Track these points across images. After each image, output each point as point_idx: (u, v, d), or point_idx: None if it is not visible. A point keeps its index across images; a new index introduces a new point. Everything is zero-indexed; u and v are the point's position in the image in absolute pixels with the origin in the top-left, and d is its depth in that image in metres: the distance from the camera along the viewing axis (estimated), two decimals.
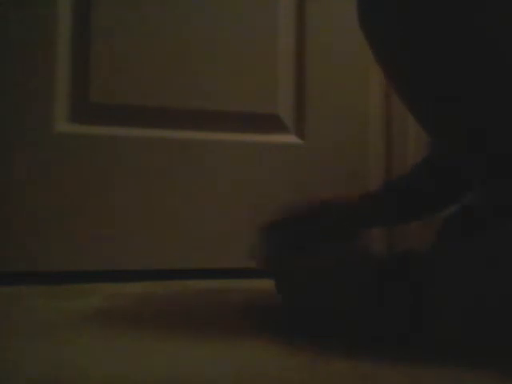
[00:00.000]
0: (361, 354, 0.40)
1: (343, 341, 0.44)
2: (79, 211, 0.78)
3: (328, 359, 0.38)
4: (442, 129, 0.44)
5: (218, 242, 0.83)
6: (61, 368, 0.36)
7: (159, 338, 0.44)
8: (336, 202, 0.60)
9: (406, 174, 0.62)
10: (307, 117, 0.88)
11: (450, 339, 0.40)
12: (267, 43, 0.86)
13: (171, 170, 0.82)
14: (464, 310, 0.39)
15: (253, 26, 0.85)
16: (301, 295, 0.50)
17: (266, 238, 0.59)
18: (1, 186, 0.76)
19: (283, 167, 0.86)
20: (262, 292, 0.69)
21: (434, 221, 0.56)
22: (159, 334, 0.45)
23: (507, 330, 0.38)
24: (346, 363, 0.37)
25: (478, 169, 0.45)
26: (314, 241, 0.58)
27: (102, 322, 0.50)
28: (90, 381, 0.33)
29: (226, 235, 0.83)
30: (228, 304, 0.60)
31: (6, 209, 0.76)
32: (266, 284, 0.75)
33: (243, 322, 0.51)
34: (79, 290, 0.68)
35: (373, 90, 0.90)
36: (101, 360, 0.38)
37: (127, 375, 0.34)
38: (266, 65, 0.86)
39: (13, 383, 0.33)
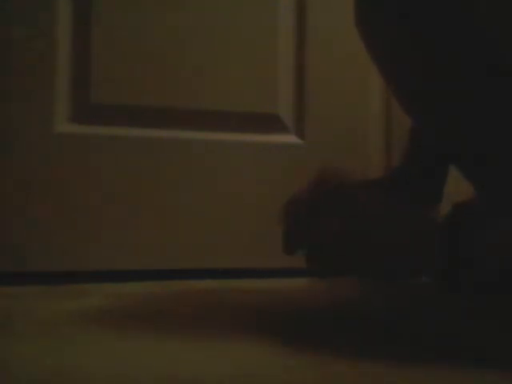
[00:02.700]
0: (361, 354, 0.40)
1: (344, 341, 0.44)
2: (79, 211, 0.78)
3: (328, 359, 0.38)
4: (441, 129, 0.44)
5: (218, 242, 0.83)
6: (61, 368, 0.36)
7: (159, 338, 0.44)
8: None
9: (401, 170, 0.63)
10: (307, 117, 0.88)
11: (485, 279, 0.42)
12: (267, 43, 0.86)
13: (171, 170, 0.82)
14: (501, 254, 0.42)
15: (253, 26, 0.85)
16: None
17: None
18: (1, 185, 0.76)
19: (283, 167, 0.86)
20: (262, 292, 0.69)
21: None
22: (159, 334, 0.45)
23: None
24: (347, 363, 0.37)
25: (477, 168, 0.45)
26: None
27: (102, 322, 0.50)
28: (90, 381, 0.33)
29: (226, 235, 0.83)
30: (228, 304, 0.60)
31: (6, 209, 0.76)
32: (267, 284, 0.75)
33: (243, 321, 0.51)
34: (79, 290, 0.68)
35: (373, 90, 0.90)
36: (101, 360, 0.38)
37: (127, 375, 0.34)
38: (265, 65, 0.86)
39: (13, 383, 0.33)
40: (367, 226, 0.47)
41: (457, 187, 0.61)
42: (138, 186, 0.81)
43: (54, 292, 0.67)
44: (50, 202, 0.77)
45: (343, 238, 0.48)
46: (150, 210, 0.81)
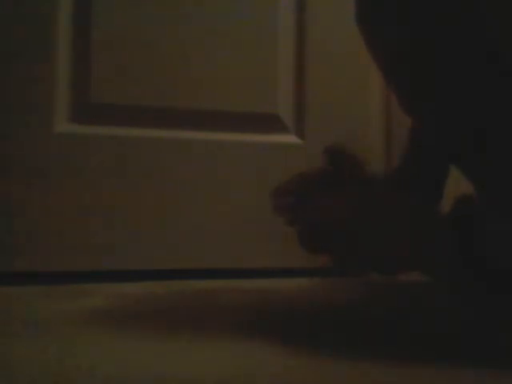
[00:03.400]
0: (361, 354, 0.40)
1: (344, 341, 0.44)
2: (79, 211, 0.78)
3: (328, 359, 0.38)
4: (441, 129, 0.44)
5: (218, 242, 0.83)
6: (61, 368, 0.36)
7: (159, 338, 0.44)
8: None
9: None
10: (307, 117, 0.88)
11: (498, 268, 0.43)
12: (267, 43, 0.86)
13: (171, 170, 0.82)
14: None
15: (253, 26, 0.85)
16: None
17: None
18: (1, 185, 0.76)
19: (283, 167, 0.85)
20: (262, 292, 0.69)
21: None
22: (159, 334, 0.45)
23: None
24: (346, 363, 0.37)
25: (477, 168, 0.45)
26: None
27: (102, 322, 0.50)
28: (90, 381, 0.33)
29: (226, 235, 0.83)
30: (228, 304, 0.60)
31: (5, 209, 0.76)
32: (267, 284, 0.75)
33: (243, 321, 0.51)
34: (79, 290, 0.68)
35: (373, 90, 0.90)
36: (101, 360, 0.38)
37: (127, 375, 0.34)
38: (265, 65, 0.86)
39: (13, 383, 0.33)
40: (367, 226, 0.47)
41: (457, 187, 0.61)
42: (137, 186, 0.81)
43: (54, 292, 0.67)
44: (50, 202, 0.77)
45: (341, 237, 0.48)
46: (149, 209, 0.81)
